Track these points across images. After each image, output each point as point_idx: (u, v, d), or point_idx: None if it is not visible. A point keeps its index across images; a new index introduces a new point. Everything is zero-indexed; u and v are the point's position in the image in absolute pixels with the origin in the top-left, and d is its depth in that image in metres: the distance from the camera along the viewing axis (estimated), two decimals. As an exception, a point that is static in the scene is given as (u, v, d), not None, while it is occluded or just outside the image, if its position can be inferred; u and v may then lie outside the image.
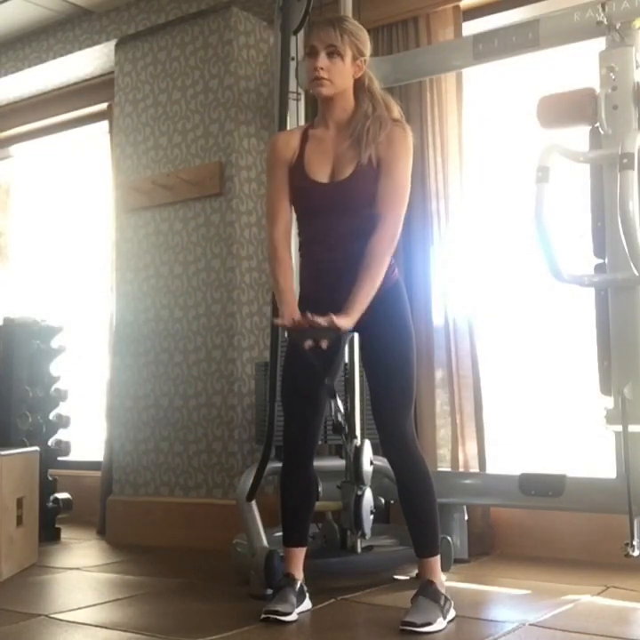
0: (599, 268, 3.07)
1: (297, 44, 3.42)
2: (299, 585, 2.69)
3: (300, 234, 2.74)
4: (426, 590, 2.56)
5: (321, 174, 2.63)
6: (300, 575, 2.71)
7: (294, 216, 2.75)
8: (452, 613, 2.56)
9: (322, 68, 2.56)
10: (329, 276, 2.63)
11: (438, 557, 2.64)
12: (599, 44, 3.10)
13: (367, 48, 2.63)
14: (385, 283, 2.63)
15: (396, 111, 2.68)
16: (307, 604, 2.70)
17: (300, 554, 2.73)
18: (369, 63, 2.66)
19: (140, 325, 4.39)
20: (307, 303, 2.69)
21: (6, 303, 5.63)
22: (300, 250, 2.74)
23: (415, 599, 2.54)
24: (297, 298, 2.69)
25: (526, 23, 3.33)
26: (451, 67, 3.67)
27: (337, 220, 2.60)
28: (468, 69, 3.73)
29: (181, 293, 4.26)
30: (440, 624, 2.47)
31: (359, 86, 2.65)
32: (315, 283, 2.68)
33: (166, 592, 3.10)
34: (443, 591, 2.59)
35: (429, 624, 2.43)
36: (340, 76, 2.59)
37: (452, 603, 2.59)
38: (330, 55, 2.57)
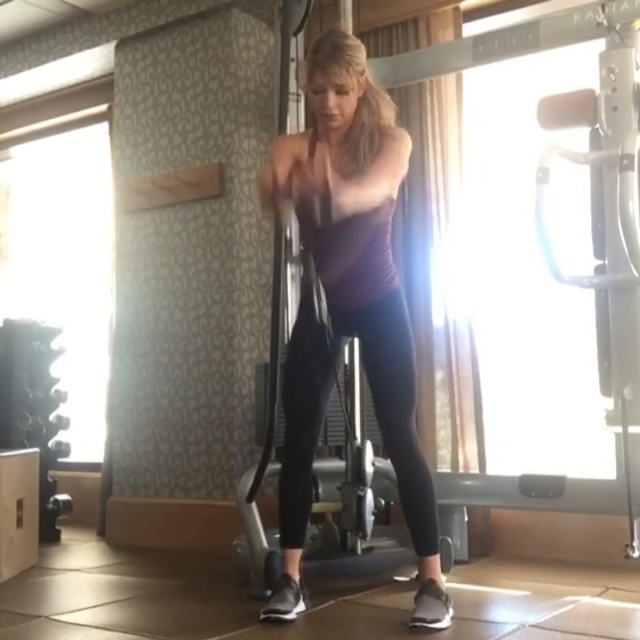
0: (599, 270, 3.07)
1: (297, 45, 3.43)
2: (297, 586, 2.69)
3: (301, 238, 2.74)
4: (428, 588, 2.58)
5: None
6: (297, 576, 2.72)
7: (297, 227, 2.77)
8: (451, 612, 2.57)
9: (334, 107, 2.58)
10: (330, 274, 2.64)
11: (438, 556, 2.66)
12: (599, 45, 3.10)
13: (364, 60, 2.63)
14: (386, 288, 2.68)
15: (388, 116, 2.68)
16: (304, 605, 2.70)
17: (297, 555, 2.74)
18: (367, 67, 2.66)
19: (139, 327, 4.39)
20: (308, 304, 2.71)
21: (6, 304, 5.63)
22: (301, 249, 2.75)
23: (419, 597, 2.56)
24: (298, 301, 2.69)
25: (526, 24, 3.33)
26: (451, 68, 3.67)
27: (341, 231, 2.61)
28: (468, 71, 3.74)
29: (181, 295, 4.26)
30: (447, 621, 2.50)
31: (360, 98, 2.65)
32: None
33: (166, 593, 3.10)
34: (444, 589, 2.61)
35: (439, 621, 2.46)
36: (349, 107, 2.61)
37: (452, 602, 2.60)
38: (339, 93, 2.57)
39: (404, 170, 2.62)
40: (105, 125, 5.06)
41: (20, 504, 3.51)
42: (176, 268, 4.29)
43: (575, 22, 3.16)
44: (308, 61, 2.64)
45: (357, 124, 2.64)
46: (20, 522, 3.49)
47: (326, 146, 2.68)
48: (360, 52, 2.61)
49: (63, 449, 4.51)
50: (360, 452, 3.04)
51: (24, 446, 4.11)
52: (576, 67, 3.51)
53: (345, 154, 2.64)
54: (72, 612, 2.83)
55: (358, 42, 2.67)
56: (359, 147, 2.61)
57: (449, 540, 3.24)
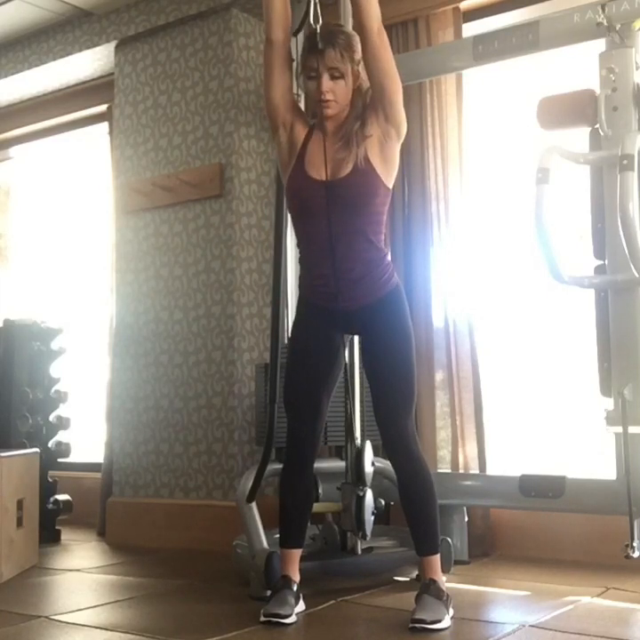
0: (599, 270, 3.07)
1: (297, 45, 3.42)
2: (296, 587, 2.69)
3: (297, 234, 2.74)
4: (429, 588, 2.58)
5: (320, 173, 2.65)
6: (297, 577, 2.72)
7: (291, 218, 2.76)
8: (451, 612, 2.58)
9: (327, 92, 2.59)
10: (330, 275, 2.64)
11: (439, 556, 2.66)
12: (599, 45, 3.10)
13: (359, 50, 2.63)
14: (385, 287, 2.67)
15: None
16: (300, 606, 2.71)
17: (296, 555, 2.74)
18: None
19: (139, 327, 4.39)
20: (307, 304, 2.71)
21: (6, 305, 5.63)
22: (298, 250, 2.75)
23: (420, 597, 2.55)
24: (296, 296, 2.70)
25: (526, 24, 3.33)
26: (451, 68, 3.67)
27: (336, 218, 2.61)
28: (468, 71, 3.73)
29: (181, 295, 4.26)
30: (447, 621, 2.50)
31: (354, 89, 2.66)
32: (315, 281, 2.69)
33: (166, 593, 3.10)
34: (444, 589, 2.61)
35: (439, 621, 2.46)
36: (343, 94, 2.62)
37: (452, 602, 2.60)
38: (333, 77, 2.58)
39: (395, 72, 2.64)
40: (105, 125, 5.06)
41: (20, 504, 3.51)
42: (176, 269, 4.30)
43: (575, 22, 3.16)
44: (303, 49, 2.66)
45: (352, 116, 2.65)
46: (20, 522, 3.50)
47: (320, 138, 2.68)
48: (355, 41, 2.62)
49: (63, 449, 4.51)
50: (360, 452, 3.04)
51: (24, 446, 4.11)
52: (576, 67, 3.51)
53: (337, 142, 2.65)
54: (72, 612, 2.83)
55: (354, 32, 2.67)
56: (351, 136, 2.62)
57: (449, 540, 3.24)
